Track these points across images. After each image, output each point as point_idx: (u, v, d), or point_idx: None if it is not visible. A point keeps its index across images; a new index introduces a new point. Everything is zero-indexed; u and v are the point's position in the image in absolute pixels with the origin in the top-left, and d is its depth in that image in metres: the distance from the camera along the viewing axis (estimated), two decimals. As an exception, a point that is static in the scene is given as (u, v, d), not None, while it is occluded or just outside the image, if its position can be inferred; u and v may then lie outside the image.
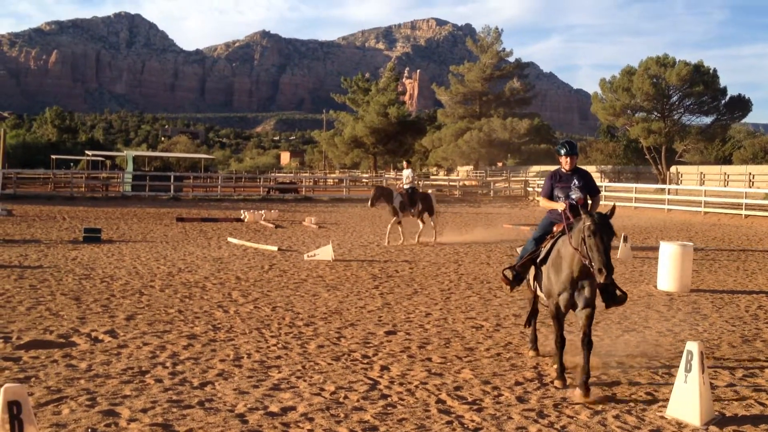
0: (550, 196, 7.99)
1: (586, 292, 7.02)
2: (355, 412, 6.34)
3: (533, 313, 8.56)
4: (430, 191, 22.63)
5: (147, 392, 6.70)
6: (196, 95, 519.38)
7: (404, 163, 24.06)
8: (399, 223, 21.50)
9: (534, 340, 8.68)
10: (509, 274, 8.15)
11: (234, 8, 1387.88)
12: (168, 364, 7.67)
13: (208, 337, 8.97)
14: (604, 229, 6.60)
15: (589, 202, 7.70)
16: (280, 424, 6.00)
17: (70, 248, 18.02)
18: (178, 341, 8.72)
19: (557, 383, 7.31)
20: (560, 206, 7.70)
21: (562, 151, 7.94)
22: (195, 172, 59.89)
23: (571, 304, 7.10)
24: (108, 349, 8.26)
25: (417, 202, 21.39)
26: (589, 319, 7.01)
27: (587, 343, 6.96)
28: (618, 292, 7.41)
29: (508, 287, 8.28)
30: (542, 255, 7.61)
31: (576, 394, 6.88)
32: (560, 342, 7.32)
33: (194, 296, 11.82)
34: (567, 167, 7.91)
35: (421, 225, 21.70)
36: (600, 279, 6.47)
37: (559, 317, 7.27)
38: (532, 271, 7.92)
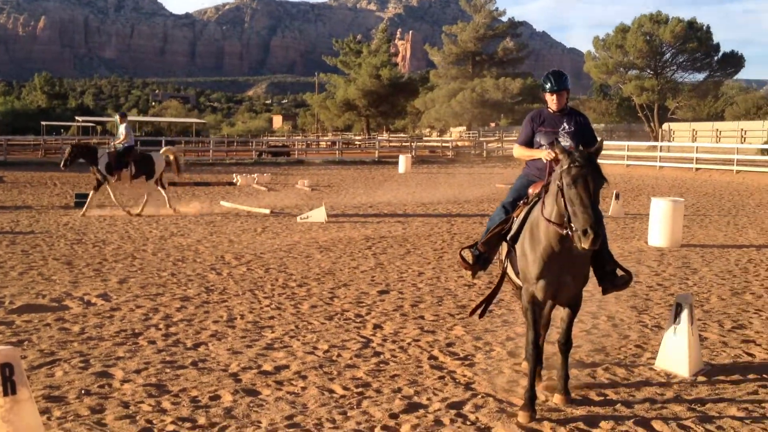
0: (529, 144, 6.11)
1: (574, 276, 5.32)
2: (348, 370, 6.39)
3: (493, 297, 6.19)
4: (162, 151, 19.28)
5: (140, 354, 6.74)
6: (187, 59, 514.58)
7: (117, 117, 19.63)
8: (116, 184, 18.26)
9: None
10: (469, 255, 6.22)
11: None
12: (161, 326, 7.71)
13: (201, 299, 9.00)
14: (589, 174, 4.80)
15: None
16: (274, 382, 6.05)
17: (62, 214, 17.98)
18: (171, 303, 8.75)
19: (522, 417, 5.29)
20: (542, 154, 5.78)
21: (548, 86, 6.00)
22: (186, 137, 59.58)
23: (553, 294, 5.38)
24: (101, 312, 8.28)
25: (129, 164, 17.93)
26: (573, 315, 5.57)
27: (565, 344, 5.57)
28: (619, 272, 5.73)
29: (469, 272, 6.35)
30: (515, 227, 5.74)
31: (555, 398, 5.64)
32: (535, 351, 5.51)
33: (187, 259, 11.84)
34: (554, 106, 6.01)
35: (146, 194, 18.54)
36: (585, 244, 4.67)
37: (535, 311, 5.47)
38: (504, 248, 6.01)
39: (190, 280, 10.15)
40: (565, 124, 5.95)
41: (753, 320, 8.28)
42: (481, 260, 6.16)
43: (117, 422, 5.16)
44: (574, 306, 5.51)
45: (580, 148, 5.27)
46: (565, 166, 4.87)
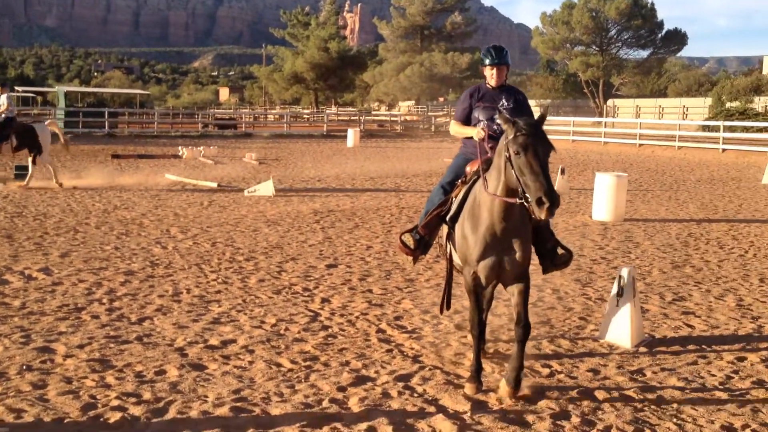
0: (467, 120, 5.95)
1: (518, 255, 5.10)
2: (296, 343, 6.38)
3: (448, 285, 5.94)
4: (47, 123, 17.99)
5: (83, 328, 6.62)
6: (130, 29, 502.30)
7: None
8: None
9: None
10: (409, 240, 5.93)
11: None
12: (105, 301, 7.57)
13: (145, 273, 8.86)
14: (538, 141, 4.66)
15: None
16: (221, 356, 6.00)
17: (0, 186, 17.47)
18: (115, 278, 8.59)
19: (468, 388, 5.34)
20: (474, 132, 5.69)
21: (487, 60, 5.82)
22: (130, 108, 58.37)
23: (497, 274, 5.21)
24: (42, 286, 8.10)
25: (10, 137, 16.69)
26: (525, 294, 5.24)
27: (523, 329, 5.16)
28: (560, 250, 5.60)
29: (410, 258, 6.13)
30: (454, 208, 5.54)
31: (501, 387, 5.23)
32: (479, 328, 5.49)
33: (131, 233, 11.63)
34: (494, 81, 5.83)
35: (30, 167, 17.25)
36: (541, 215, 4.49)
37: (477, 293, 5.37)
38: (444, 229, 5.81)
39: (135, 254, 9.98)
40: (504, 101, 5.79)
41: (693, 293, 8.50)
42: (421, 244, 5.92)
43: (60, 398, 5.06)
44: (522, 284, 5.21)
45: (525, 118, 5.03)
46: (511, 136, 4.69)
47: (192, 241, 11.09)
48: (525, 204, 4.66)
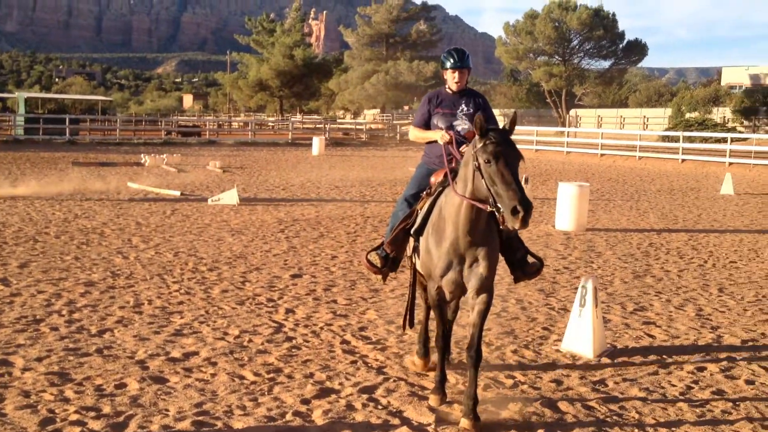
0: (426, 126, 5.75)
1: (482, 267, 4.92)
2: (260, 355, 6.32)
3: (414, 301, 5.93)
4: None
5: (42, 341, 6.49)
6: (92, 34, 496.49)
7: None
8: None
9: (425, 338, 6.06)
10: (376, 259, 5.73)
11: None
12: (64, 312, 7.44)
13: (106, 284, 8.73)
14: (508, 150, 4.52)
15: None
16: (182, 369, 5.93)
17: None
18: (75, 289, 8.45)
19: (433, 400, 5.34)
20: (438, 135, 5.48)
21: (448, 63, 5.64)
22: (92, 115, 57.59)
23: (461, 288, 5.08)
24: (0, 297, 7.93)
25: None
26: (484, 313, 5.04)
27: (475, 354, 5.00)
28: (530, 259, 5.49)
29: (379, 277, 6.01)
30: (419, 220, 5.36)
31: (462, 423, 4.94)
32: (444, 342, 5.45)
33: (92, 242, 11.46)
34: (455, 86, 5.65)
35: None
36: (515, 225, 4.33)
37: (442, 307, 5.32)
38: (410, 243, 5.57)
39: (95, 265, 9.83)
40: (463, 106, 5.63)
41: (653, 302, 8.61)
42: (389, 262, 5.69)
43: (17, 412, 4.96)
44: (485, 299, 5.02)
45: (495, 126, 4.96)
46: (480, 144, 4.54)
47: (154, 250, 10.96)
48: (496, 214, 4.50)
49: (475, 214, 4.77)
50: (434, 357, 5.83)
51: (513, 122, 4.71)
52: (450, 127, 5.54)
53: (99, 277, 9.11)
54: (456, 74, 5.61)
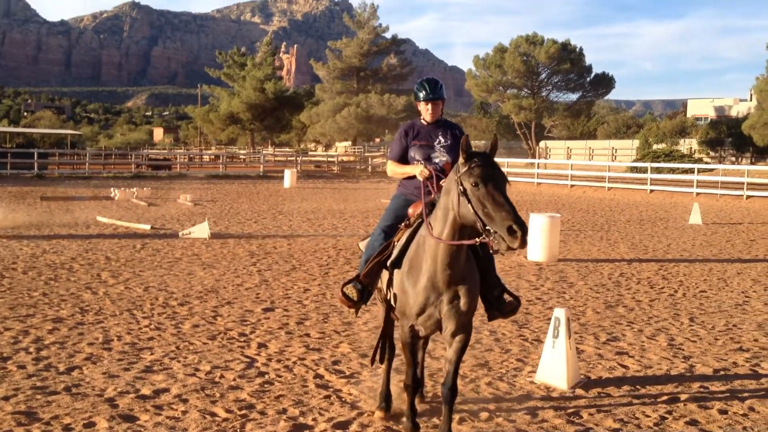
0: (404, 159, 5.60)
1: (462, 303, 4.77)
2: (232, 391, 6.23)
3: (390, 347, 5.87)
4: None
5: (9, 379, 6.35)
6: (62, 68, 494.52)
7: None
8: None
9: (387, 393, 5.86)
10: (353, 293, 5.39)
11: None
12: (32, 350, 7.29)
13: (75, 321, 8.58)
14: (495, 172, 4.39)
15: None
16: (153, 407, 5.82)
17: None
18: (43, 325, 8.30)
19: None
20: (417, 170, 5.31)
21: (421, 95, 5.51)
22: (61, 149, 57.09)
23: (437, 325, 4.88)
24: (-36, 336, 7.76)
25: None
26: (462, 351, 4.93)
27: (450, 392, 4.93)
28: (507, 297, 5.30)
29: (352, 310, 5.76)
30: (396, 252, 5.18)
31: None
32: (414, 383, 5.23)
33: (60, 278, 11.29)
34: (429, 117, 5.52)
35: None
36: (514, 244, 4.13)
37: (414, 345, 5.14)
38: (384, 275, 5.38)
39: (64, 300, 9.67)
40: (440, 137, 5.48)
41: (626, 332, 8.64)
42: (363, 294, 5.40)
43: (-20, 456, 4.83)
44: (462, 338, 4.90)
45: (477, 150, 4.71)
46: (464, 168, 4.39)
47: (124, 285, 10.82)
48: (487, 239, 4.26)
49: (455, 247, 4.64)
50: (400, 404, 5.75)
51: (494, 147, 4.59)
52: (427, 159, 5.41)
53: (67, 313, 8.96)
54: (429, 106, 5.50)
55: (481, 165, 4.36)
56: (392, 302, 5.25)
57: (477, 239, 4.44)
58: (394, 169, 5.65)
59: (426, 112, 5.53)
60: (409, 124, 5.67)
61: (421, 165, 5.35)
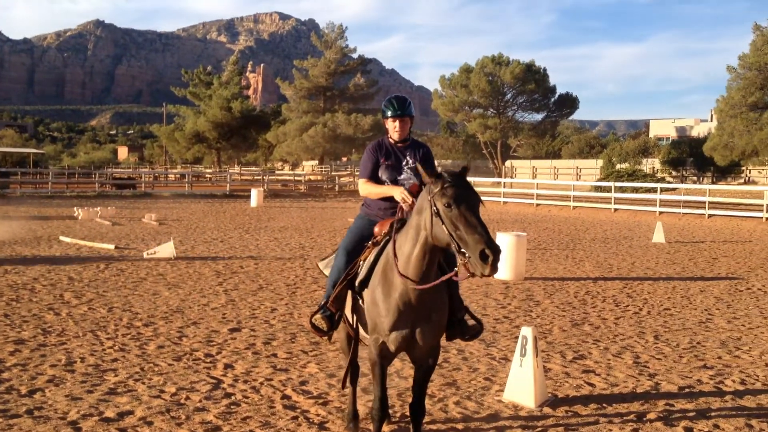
0: (375, 178, 5.47)
1: (433, 323, 4.74)
2: (197, 413, 6.15)
3: (353, 366, 5.79)
4: None
5: (-33, 404, 6.20)
6: (24, 86, 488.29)
7: None
8: None
9: (355, 414, 5.86)
10: (322, 323, 5.29)
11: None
12: (-9, 373, 7.14)
13: (37, 342, 8.42)
14: (468, 193, 4.32)
15: None
16: (117, 429, 5.72)
17: None
18: (4, 347, 8.13)
19: None
20: (397, 191, 5.10)
21: (389, 112, 5.43)
22: (23, 168, 56.30)
23: (407, 342, 4.77)
24: None
25: None
26: (431, 370, 4.98)
27: (419, 409, 4.97)
28: (470, 321, 5.23)
29: (324, 338, 5.74)
30: (363, 272, 5.05)
31: None
32: (382, 408, 5.04)
33: (22, 299, 11.08)
34: (396, 135, 5.46)
35: None
36: (485, 270, 4.04)
37: (384, 365, 4.93)
38: (348, 299, 5.30)
39: (25, 322, 9.49)
40: (408, 158, 5.43)
41: (592, 350, 8.70)
42: (333, 321, 5.30)
43: (-63, 482, 4.70)
44: (431, 361, 4.92)
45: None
46: (437, 188, 4.30)
47: (87, 306, 10.65)
48: (458, 261, 4.22)
49: (426, 263, 4.53)
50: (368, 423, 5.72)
51: (466, 168, 4.56)
52: (395, 181, 5.38)
53: (29, 334, 8.79)
54: (397, 123, 5.41)
55: (454, 185, 4.29)
56: (357, 326, 5.20)
57: (451, 274, 4.41)
58: (369, 189, 5.46)
59: (393, 129, 5.45)
60: (376, 143, 5.57)
61: (400, 187, 5.21)
